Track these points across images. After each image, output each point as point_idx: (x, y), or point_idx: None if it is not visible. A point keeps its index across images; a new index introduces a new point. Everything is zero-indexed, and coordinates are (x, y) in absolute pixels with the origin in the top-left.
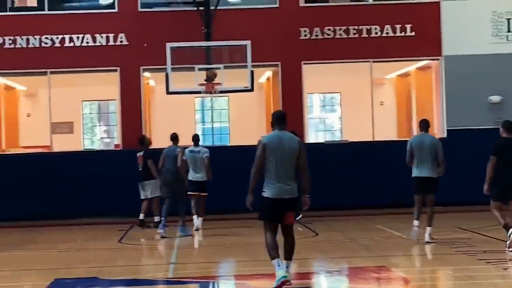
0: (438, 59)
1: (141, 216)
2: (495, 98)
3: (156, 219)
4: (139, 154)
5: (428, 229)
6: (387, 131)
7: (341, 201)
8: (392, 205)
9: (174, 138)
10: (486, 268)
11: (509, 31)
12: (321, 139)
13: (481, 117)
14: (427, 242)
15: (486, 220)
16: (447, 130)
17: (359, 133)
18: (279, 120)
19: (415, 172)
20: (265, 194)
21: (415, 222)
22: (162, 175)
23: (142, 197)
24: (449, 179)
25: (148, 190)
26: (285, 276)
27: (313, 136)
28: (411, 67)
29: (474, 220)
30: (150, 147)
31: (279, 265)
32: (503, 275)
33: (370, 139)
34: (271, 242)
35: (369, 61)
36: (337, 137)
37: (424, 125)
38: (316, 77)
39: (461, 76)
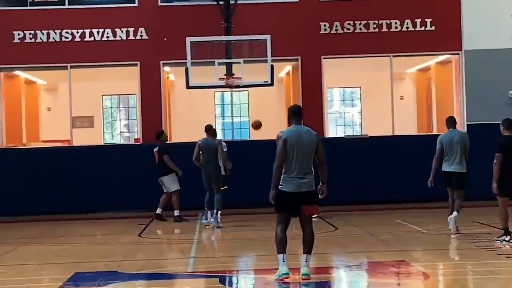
0: (458, 54)
1: (158, 210)
2: None
3: (176, 213)
4: (155, 149)
5: (454, 213)
6: (407, 126)
7: (361, 195)
8: (411, 200)
9: (209, 129)
10: (506, 263)
11: None
12: (341, 134)
13: (501, 111)
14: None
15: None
16: (467, 124)
17: (379, 127)
18: (295, 114)
19: (444, 167)
20: (283, 188)
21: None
22: (203, 168)
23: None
24: (470, 174)
25: (166, 185)
26: (287, 274)
27: (333, 130)
28: (431, 61)
29: (494, 215)
30: (167, 142)
31: (283, 261)
32: None
33: (390, 133)
34: (280, 236)
35: (389, 56)
36: (357, 131)
37: (451, 121)
38: (336, 71)
39: (481, 71)
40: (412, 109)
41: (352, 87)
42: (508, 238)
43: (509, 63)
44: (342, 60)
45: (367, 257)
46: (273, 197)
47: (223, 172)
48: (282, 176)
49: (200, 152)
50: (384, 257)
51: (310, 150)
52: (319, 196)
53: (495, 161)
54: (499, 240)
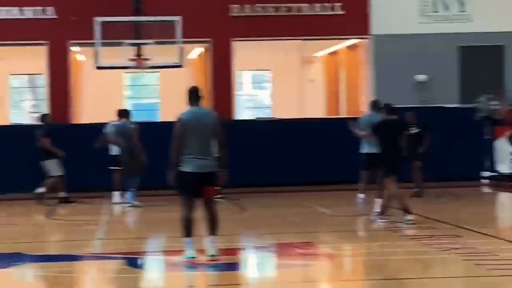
0: (366, 38)
1: (62, 194)
2: (421, 77)
3: (62, 194)
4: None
5: (377, 201)
6: (316, 109)
7: (269, 177)
8: (320, 182)
9: (124, 113)
10: (409, 244)
11: (435, 11)
12: (251, 116)
13: (407, 95)
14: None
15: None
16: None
17: (288, 110)
18: (194, 95)
19: (366, 149)
20: (183, 169)
21: (360, 195)
22: (121, 153)
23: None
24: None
25: (47, 169)
26: (193, 257)
27: (243, 113)
28: (341, 45)
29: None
30: (52, 123)
31: (190, 244)
32: (426, 251)
33: (299, 116)
34: (187, 219)
35: (299, 39)
36: (266, 114)
37: (373, 104)
38: (247, 54)
39: (389, 55)
40: (321, 93)
41: (262, 70)
42: (410, 217)
43: (416, 48)
44: (252, 43)
45: (275, 239)
46: (172, 178)
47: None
48: (182, 157)
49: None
50: (292, 238)
51: (209, 132)
52: (219, 183)
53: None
54: (403, 221)
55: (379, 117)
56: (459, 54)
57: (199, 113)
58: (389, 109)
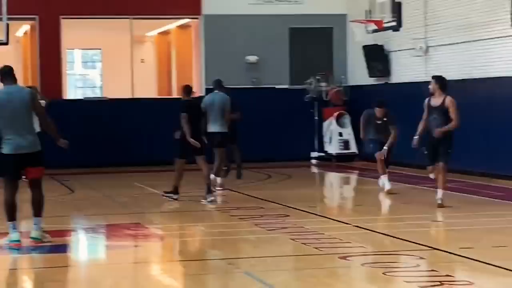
0: (197, 18)
1: None
2: (252, 58)
3: None
4: None
5: (218, 179)
6: (147, 89)
7: (100, 158)
8: (152, 162)
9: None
10: (239, 224)
11: None
12: (81, 96)
13: (238, 76)
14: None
15: (245, 178)
16: (206, 88)
17: (119, 90)
18: (6, 74)
19: (208, 128)
20: (3, 151)
21: (212, 177)
22: None
23: None
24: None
25: None
26: (17, 240)
27: (73, 92)
28: (172, 25)
29: (228, 178)
30: None
31: (14, 228)
32: (255, 230)
33: (130, 96)
34: (8, 203)
35: (129, 18)
36: (97, 94)
37: (217, 83)
38: (76, 32)
39: (220, 36)
40: (153, 73)
41: (93, 49)
42: (176, 197)
43: (247, 29)
44: (82, 21)
45: (104, 220)
46: None
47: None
48: (3, 139)
49: None
50: (120, 219)
51: (23, 109)
52: (64, 147)
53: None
54: (166, 196)
55: (223, 95)
56: (289, 35)
57: (10, 91)
58: (190, 89)
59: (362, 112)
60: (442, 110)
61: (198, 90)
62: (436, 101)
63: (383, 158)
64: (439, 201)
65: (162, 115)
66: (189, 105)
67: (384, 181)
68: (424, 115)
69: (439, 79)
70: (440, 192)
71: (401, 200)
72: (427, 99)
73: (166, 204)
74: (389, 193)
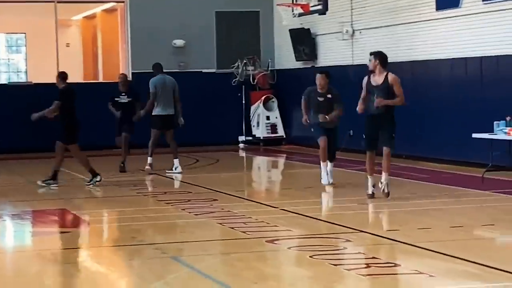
0: (123, 2)
1: None
2: (179, 42)
3: None
4: None
5: (175, 161)
6: (73, 73)
7: (24, 143)
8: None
9: None
10: (166, 209)
11: None
12: (5, 81)
13: (165, 60)
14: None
15: (169, 163)
16: (132, 73)
17: (44, 75)
18: None
19: (158, 111)
20: None
21: (150, 159)
22: None
23: None
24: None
25: None
26: None
27: None
28: (97, 9)
29: (158, 162)
30: None
31: None
32: (182, 215)
33: (55, 81)
34: None
35: (53, 2)
36: (22, 78)
37: (160, 66)
38: (0, 17)
39: (146, 20)
40: (79, 57)
41: (17, 33)
42: (98, 178)
43: (173, 13)
44: (6, 5)
45: (29, 206)
46: None
47: None
48: None
49: None
50: (46, 205)
51: None
52: None
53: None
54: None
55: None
56: (216, 19)
57: None
58: (65, 75)
59: (289, 96)
60: (384, 88)
61: (128, 74)
62: (377, 79)
63: (325, 145)
64: (385, 189)
65: (88, 100)
66: (65, 92)
67: (322, 173)
68: (363, 94)
69: (378, 55)
70: (384, 177)
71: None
72: (365, 78)
73: (93, 190)
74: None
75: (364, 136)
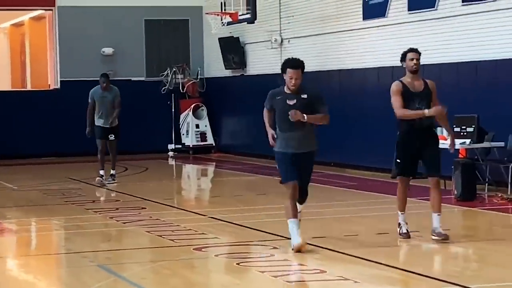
0: (51, 10)
1: None
2: (108, 50)
3: None
4: None
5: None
6: (0, 81)
7: None
8: (3, 156)
9: None
10: (94, 217)
11: None
12: None
13: (94, 68)
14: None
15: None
16: (61, 81)
17: None
18: None
19: (98, 121)
20: None
21: (101, 171)
22: None
23: None
24: (61, 130)
25: None
26: None
27: None
28: (25, 16)
29: (84, 171)
30: None
31: None
32: (110, 223)
33: None
34: None
35: None
36: None
37: (105, 78)
38: None
39: (75, 28)
40: (6, 65)
41: None
42: None
43: (102, 21)
44: None
45: None
46: None
47: None
48: None
49: None
50: None
51: None
52: None
53: None
54: None
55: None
56: (145, 27)
57: None
58: None
59: (218, 104)
60: (428, 95)
61: (53, 82)
62: (416, 84)
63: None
64: (441, 231)
65: (16, 108)
66: None
67: (292, 229)
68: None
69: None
70: (437, 218)
71: (257, 191)
72: (398, 84)
73: (21, 198)
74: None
75: (399, 160)
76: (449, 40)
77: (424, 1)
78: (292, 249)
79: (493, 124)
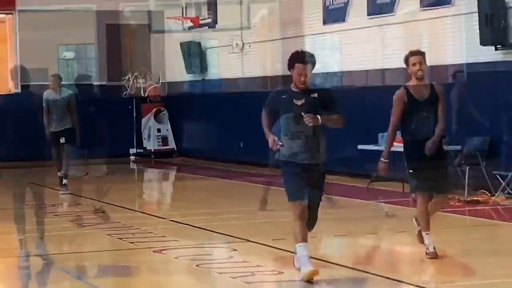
0: (11, 14)
1: None
2: (69, 55)
3: None
4: None
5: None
6: None
7: None
8: None
9: None
10: (54, 221)
11: None
12: None
13: (51, 71)
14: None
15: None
16: (22, 85)
17: None
18: None
19: (52, 126)
20: None
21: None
22: None
23: None
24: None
25: None
26: None
27: None
28: None
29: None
30: None
31: None
32: (70, 227)
33: None
34: None
35: None
36: None
37: (60, 79)
38: None
39: (35, 32)
40: None
41: None
42: None
43: (63, 25)
44: None
45: None
46: None
47: None
48: None
49: None
50: None
51: None
52: None
53: None
54: None
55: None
56: (106, 32)
57: None
58: None
59: (180, 109)
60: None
61: (14, 86)
62: (422, 91)
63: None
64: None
65: None
66: None
67: (301, 257)
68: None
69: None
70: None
71: (219, 195)
72: (403, 90)
73: None
74: None
75: (411, 172)
76: (409, 45)
77: (383, 6)
78: (302, 279)
79: (450, 127)
